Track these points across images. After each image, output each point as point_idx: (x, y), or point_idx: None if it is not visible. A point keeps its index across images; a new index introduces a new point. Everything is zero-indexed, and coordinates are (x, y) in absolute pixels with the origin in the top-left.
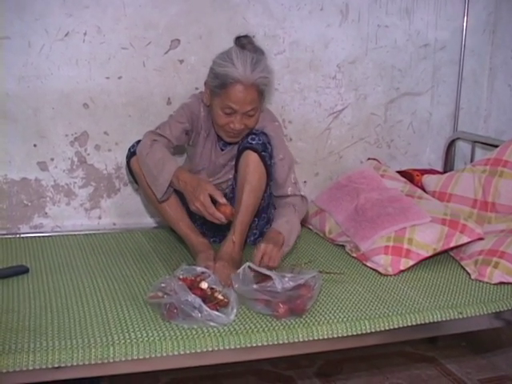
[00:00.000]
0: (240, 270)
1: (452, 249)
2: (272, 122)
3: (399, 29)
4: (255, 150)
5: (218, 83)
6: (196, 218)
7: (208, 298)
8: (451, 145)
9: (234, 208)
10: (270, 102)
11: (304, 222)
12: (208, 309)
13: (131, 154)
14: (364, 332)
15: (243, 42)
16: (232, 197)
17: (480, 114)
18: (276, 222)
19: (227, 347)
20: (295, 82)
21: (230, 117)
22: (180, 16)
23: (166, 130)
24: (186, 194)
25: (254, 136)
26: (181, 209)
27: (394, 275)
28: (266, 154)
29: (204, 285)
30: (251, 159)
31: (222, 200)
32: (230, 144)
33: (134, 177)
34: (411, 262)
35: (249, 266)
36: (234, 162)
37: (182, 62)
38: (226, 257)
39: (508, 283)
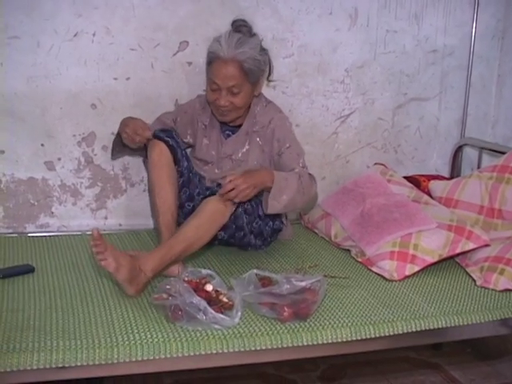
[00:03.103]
0: (245, 275)
1: (458, 255)
2: (278, 112)
3: (408, 34)
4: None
5: (207, 61)
6: None
7: (213, 301)
8: (458, 151)
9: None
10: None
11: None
12: (213, 311)
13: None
14: (368, 337)
15: (238, 24)
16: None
17: (488, 121)
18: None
19: (231, 350)
20: (303, 86)
21: (216, 93)
22: (189, 18)
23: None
24: (121, 132)
25: None
26: (169, 203)
27: (399, 281)
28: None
29: (209, 287)
30: (213, 202)
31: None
32: (233, 132)
33: None
34: (417, 268)
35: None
36: (239, 156)
37: (190, 64)
38: (141, 257)
39: None
